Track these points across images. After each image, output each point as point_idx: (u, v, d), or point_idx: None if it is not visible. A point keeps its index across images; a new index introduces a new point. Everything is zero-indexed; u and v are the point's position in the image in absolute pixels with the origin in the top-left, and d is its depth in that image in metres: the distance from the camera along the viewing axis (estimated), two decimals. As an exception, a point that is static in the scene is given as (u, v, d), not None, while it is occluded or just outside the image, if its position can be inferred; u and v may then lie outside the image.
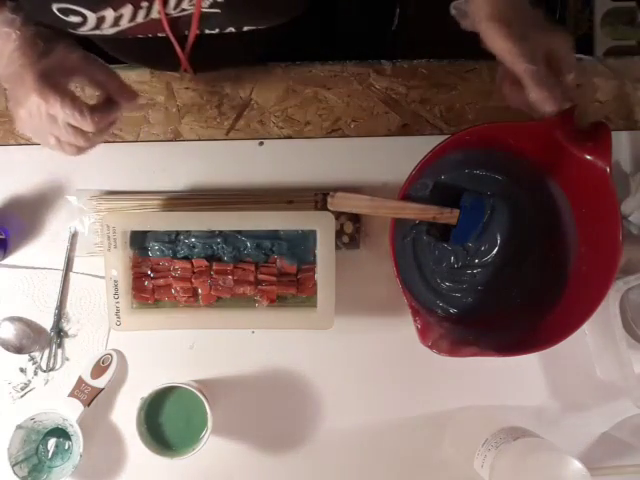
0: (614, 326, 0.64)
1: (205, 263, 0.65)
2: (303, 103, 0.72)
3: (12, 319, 0.69)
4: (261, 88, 0.72)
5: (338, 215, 0.68)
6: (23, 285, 0.70)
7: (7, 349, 0.68)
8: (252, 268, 0.65)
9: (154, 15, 0.56)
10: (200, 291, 0.65)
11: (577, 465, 0.55)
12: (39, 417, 0.66)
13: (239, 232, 0.65)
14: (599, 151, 0.59)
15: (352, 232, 0.70)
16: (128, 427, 0.68)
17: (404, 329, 0.62)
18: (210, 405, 0.63)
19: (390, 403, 0.70)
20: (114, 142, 0.71)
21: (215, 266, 0.64)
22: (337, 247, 0.64)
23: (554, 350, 0.59)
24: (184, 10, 0.57)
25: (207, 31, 0.61)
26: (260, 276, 0.65)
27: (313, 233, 0.64)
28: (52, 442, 0.69)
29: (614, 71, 0.72)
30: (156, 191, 0.70)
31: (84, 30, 0.56)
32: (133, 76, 0.71)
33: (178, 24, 0.59)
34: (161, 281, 0.64)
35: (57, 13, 0.53)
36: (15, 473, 0.63)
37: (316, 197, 0.70)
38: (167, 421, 0.65)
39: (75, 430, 0.65)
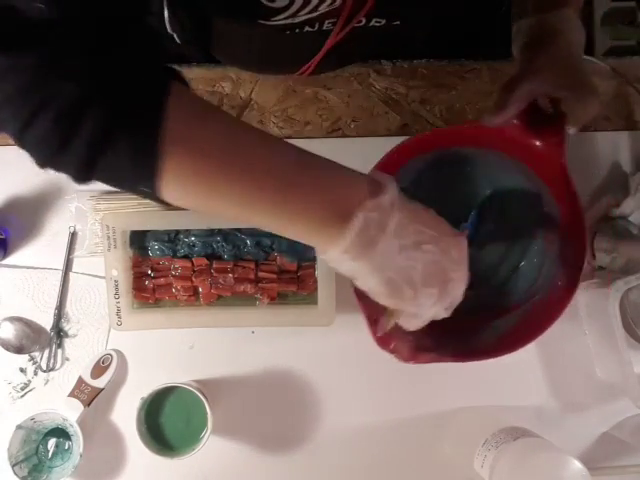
0: (614, 326, 0.63)
1: (205, 262, 0.65)
2: (303, 103, 0.72)
3: (12, 319, 0.69)
4: (261, 88, 0.72)
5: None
6: (23, 285, 0.70)
7: (7, 349, 0.68)
8: (252, 266, 0.65)
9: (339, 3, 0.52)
10: (200, 290, 0.65)
11: (577, 465, 0.55)
12: (39, 417, 0.66)
13: (239, 230, 0.65)
14: (552, 145, 0.56)
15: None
16: (128, 427, 0.68)
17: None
18: (210, 405, 0.63)
19: (390, 403, 0.70)
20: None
21: (215, 264, 0.65)
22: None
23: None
24: None
25: (374, 21, 0.57)
26: (260, 274, 0.65)
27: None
28: (52, 442, 0.69)
29: (614, 71, 0.72)
30: (156, 191, 0.70)
31: (278, 19, 0.51)
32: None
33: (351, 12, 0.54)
34: (161, 280, 0.65)
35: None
36: (15, 473, 0.63)
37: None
38: (167, 421, 0.65)
39: (75, 430, 0.65)
